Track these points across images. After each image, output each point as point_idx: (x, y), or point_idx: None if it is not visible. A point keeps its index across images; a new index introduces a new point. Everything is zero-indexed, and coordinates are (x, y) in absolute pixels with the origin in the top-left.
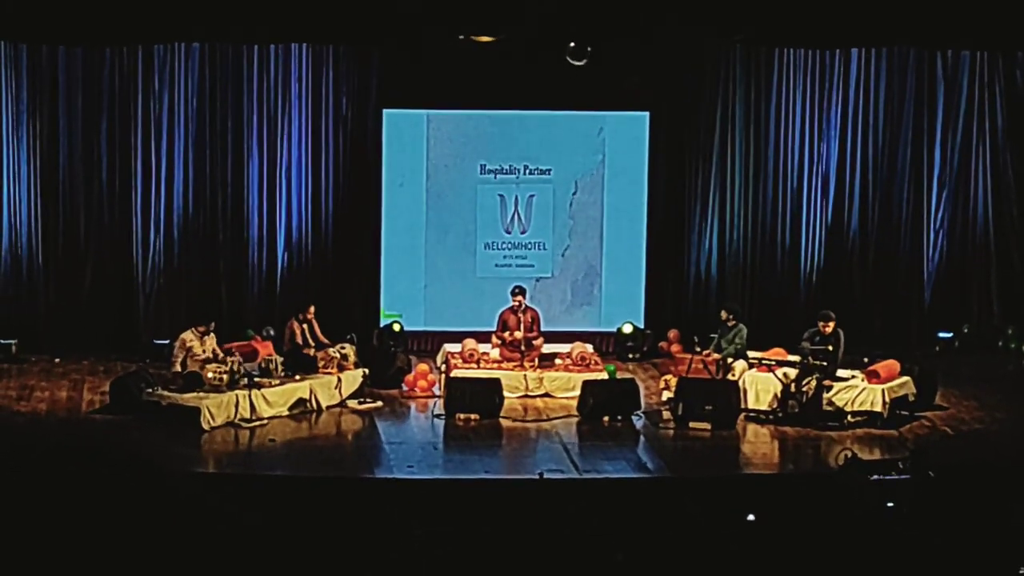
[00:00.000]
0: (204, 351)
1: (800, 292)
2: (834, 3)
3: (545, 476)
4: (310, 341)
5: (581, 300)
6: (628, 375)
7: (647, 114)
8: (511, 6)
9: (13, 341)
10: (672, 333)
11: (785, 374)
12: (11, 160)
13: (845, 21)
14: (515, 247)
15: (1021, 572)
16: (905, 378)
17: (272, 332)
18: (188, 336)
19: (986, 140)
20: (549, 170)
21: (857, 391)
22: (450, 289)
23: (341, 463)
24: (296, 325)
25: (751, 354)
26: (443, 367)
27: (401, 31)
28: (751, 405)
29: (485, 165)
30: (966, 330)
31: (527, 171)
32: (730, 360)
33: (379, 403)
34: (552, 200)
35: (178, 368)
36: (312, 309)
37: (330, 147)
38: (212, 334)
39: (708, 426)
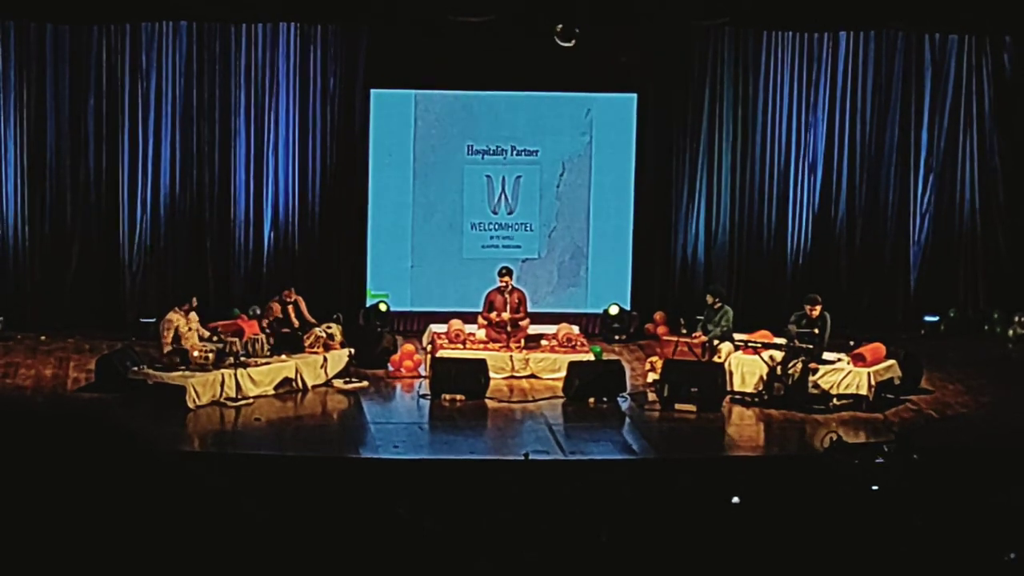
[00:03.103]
0: (190, 328)
1: (786, 275)
2: None
3: (530, 457)
4: (293, 321)
5: (568, 281)
6: (614, 357)
7: (635, 96)
8: None
9: None
10: (658, 315)
11: (771, 357)
12: None
13: (833, 4)
14: (502, 228)
15: (1007, 557)
16: (891, 361)
17: (258, 311)
18: (173, 316)
19: (973, 124)
20: (536, 151)
21: (843, 374)
22: (436, 270)
23: (326, 443)
24: (277, 305)
25: (737, 336)
26: (429, 347)
27: (389, 11)
28: (736, 387)
29: (472, 146)
30: (952, 314)
31: (514, 152)
32: (716, 342)
33: (365, 383)
34: (539, 181)
35: (170, 347)
36: (292, 291)
37: (317, 127)
38: (194, 311)
39: (693, 408)
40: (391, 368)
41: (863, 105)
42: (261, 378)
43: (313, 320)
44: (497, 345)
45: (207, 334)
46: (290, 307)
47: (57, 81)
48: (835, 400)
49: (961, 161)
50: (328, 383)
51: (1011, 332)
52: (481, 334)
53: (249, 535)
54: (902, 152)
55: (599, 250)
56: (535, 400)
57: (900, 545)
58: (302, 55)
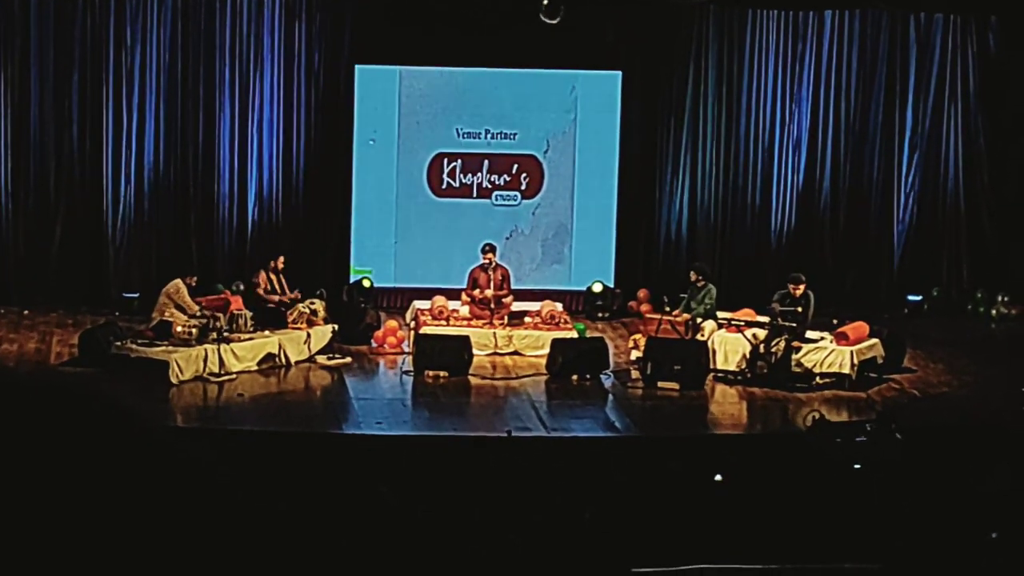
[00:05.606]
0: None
1: (770, 253)
2: None
3: (513, 434)
4: (277, 291)
5: (551, 259)
6: (597, 334)
7: (619, 73)
8: None
9: None
10: (642, 292)
11: (754, 335)
12: None
13: None
14: (486, 204)
15: (989, 536)
16: (874, 340)
17: (242, 286)
18: (180, 284)
19: (958, 104)
20: (521, 128)
21: (826, 353)
22: (420, 246)
23: (309, 418)
24: (263, 275)
25: (720, 315)
26: (412, 324)
27: None
28: (720, 365)
29: (457, 121)
30: (935, 293)
31: (498, 128)
32: (699, 320)
33: (348, 359)
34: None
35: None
36: (281, 259)
37: (302, 102)
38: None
39: (676, 386)
40: (374, 344)
41: (848, 84)
42: (244, 354)
43: (291, 295)
44: (480, 322)
45: (196, 309)
46: (274, 276)
47: (41, 55)
48: (818, 379)
49: (946, 141)
50: (311, 359)
51: (994, 312)
52: (465, 311)
53: (231, 511)
54: (886, 131)
55: (583, 227)
56: (518, 377)
57: (882, 523)
58: (287, 30)
